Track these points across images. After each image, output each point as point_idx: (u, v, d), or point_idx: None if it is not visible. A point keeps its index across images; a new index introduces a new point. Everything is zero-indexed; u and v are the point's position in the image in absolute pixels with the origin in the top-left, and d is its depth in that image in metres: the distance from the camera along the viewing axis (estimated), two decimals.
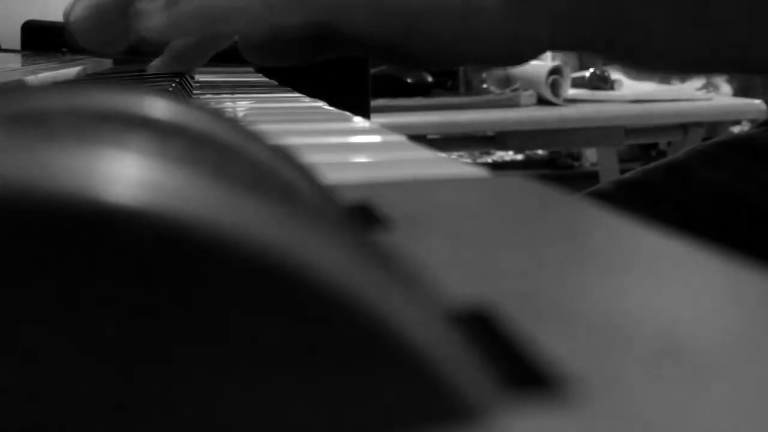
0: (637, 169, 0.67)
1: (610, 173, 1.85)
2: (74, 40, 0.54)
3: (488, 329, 0.11)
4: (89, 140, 0.09)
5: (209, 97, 0.47)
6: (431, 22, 0.46)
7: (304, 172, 0.14)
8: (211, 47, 0.56)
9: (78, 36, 0.54)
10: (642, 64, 0.61)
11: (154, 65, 0.55)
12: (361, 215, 0.17)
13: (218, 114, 0.14)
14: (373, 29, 0.46)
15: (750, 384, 0.09)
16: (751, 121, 1.72)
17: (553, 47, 0.48)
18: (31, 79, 0.47)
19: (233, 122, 0.14)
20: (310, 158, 0.16)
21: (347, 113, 0.39)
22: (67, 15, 0.52)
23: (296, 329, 0.08)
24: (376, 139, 0.31)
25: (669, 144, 2.19)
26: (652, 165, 0.67)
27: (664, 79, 1.92)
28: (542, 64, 1.72)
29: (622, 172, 0.91)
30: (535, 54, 0.48)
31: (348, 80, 0.65)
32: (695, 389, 0.09)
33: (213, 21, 0.45)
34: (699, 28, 0.44)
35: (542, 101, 1.71)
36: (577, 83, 1.83)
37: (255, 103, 0.45)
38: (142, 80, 0.49)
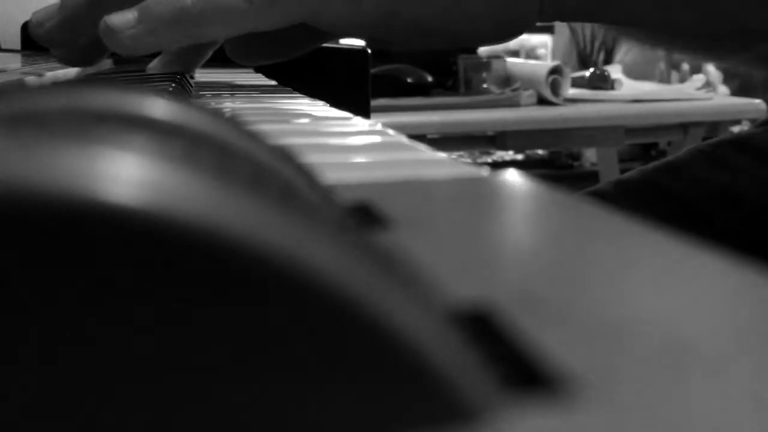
0: (636, 169, 0.67)
1: (610, 173, 1.85)
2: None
3: (488, 329, 0.11)
4: (89, 140, 0.09)
5: (209, 97, 0.47)
6: (416, 8, 0.46)
7: (304, 172, 0.14)
8: (208, 46, 0.55)
9: (52, 51, 0.53)
10: (630, 35, 0.61)
11: (154, 65, 0.55)
12: (361, 215, 0.17)
13: (218, 114, 0.14)
14: (357, 20, 0.46)
15: (750, 383, 0.09)
16: (751, 120, 1.72)
17: (540, 21, 0.48)
18: (32, 79, 0.47)
19: (233, 122, 0.14)
20: (310, 158, 0.16)
21: (347, 113, 0.39)
22: (32, 25, 0.51)
23: (296, 329, 0.08)
24: (376, 139, 0.31)
25: (669, 144, 2.19)
26: (652, 165, 0.67)
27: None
28: (542, 64, 1.72)
29: (622, 172, 0.91)
30: (522, 31, 0.48)
31: (348, 80, 0.65)
32: (695, 389, 0.09)
33: (190, 28, 0.45)
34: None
35: (542, 101, 1.71)
36: (577, 83, 1.83)
37: (255, 103, 0.45)
38: (142, 80, 0.49)
